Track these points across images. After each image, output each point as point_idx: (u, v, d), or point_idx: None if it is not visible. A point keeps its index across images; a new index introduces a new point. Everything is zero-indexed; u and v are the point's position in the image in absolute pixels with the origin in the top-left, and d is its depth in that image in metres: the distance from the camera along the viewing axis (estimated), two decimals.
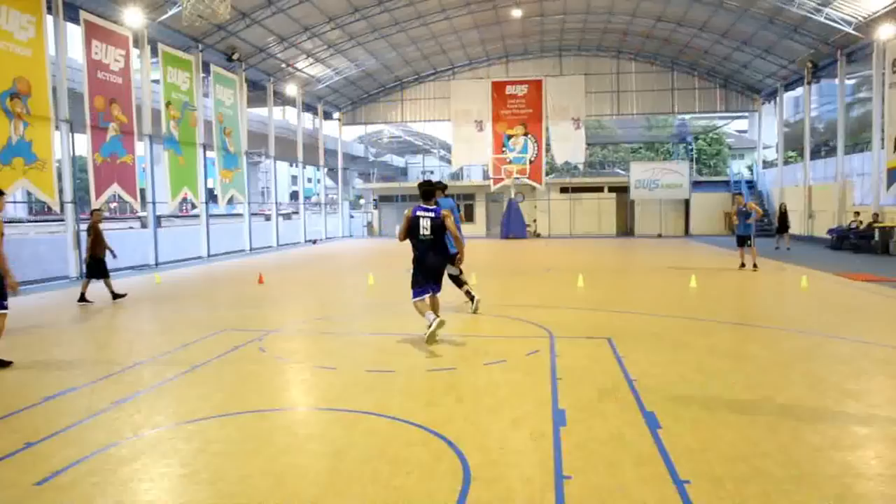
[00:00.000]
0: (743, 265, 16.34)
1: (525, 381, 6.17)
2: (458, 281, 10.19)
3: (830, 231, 24.01)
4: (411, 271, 7.96)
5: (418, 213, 7.83)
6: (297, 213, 39.63)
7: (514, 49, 35.24)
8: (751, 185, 35.69)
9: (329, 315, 10.42)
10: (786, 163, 33.51)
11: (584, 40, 34.23)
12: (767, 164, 36.35)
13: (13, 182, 14.54)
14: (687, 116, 40.24)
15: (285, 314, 10.63)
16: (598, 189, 36.39)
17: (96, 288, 12.41)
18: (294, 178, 69.86)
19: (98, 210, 13.31)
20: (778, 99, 32.39)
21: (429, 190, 7.95)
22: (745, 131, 47.61)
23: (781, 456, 4.22)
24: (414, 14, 27.56)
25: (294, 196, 61.51)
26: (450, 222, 7.84)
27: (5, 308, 7.01)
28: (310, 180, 68.64)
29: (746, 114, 40.01)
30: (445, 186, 9.67)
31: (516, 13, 28.18)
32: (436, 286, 8.03)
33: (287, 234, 31.40)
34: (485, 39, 33.15)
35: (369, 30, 28.00)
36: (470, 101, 35.44)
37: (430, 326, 7.56)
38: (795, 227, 26.85)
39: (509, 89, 35.19)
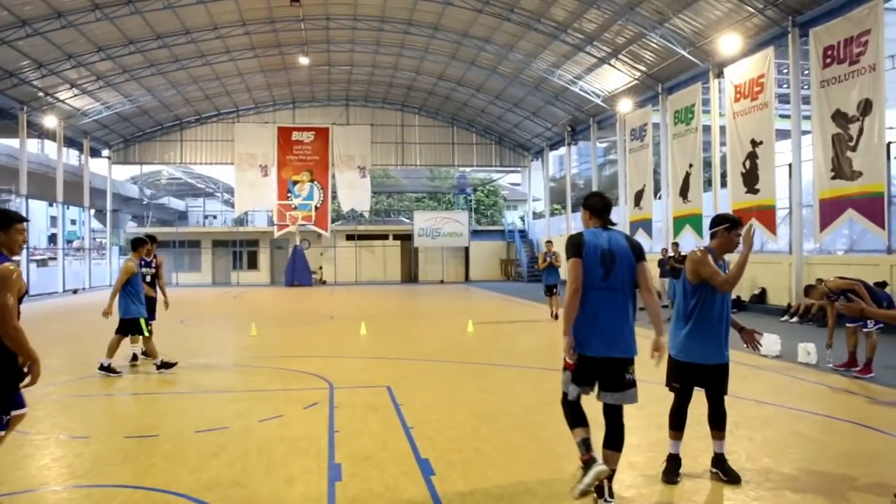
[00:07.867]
0: (556, 316, 14.86)
1: (302, 436, 5.98)
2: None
3: None
4: None
5: None
6: (54, 258, 35.32)
7: (301, 95, 35.20)
8: (523, 234, 38.77)
9: (88, 376, 9.28)
10: (552, 214, 37.06)
11: (371, 92, 35.25)
12: (537, 216, 39.95)
13: None
14: (466, 169, 42.81)
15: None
16: (384, 237, 37.21)
17: None
18: (53, 219, 62.42)
19: None
20: (544, 157, 35.92)
21: None
22: (518, 184, 51.70)
23: (543, 490, 4.53)
24: (196, 52, 26.38)
25: (52, 240, 54.86)
26: None
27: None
28: (73, 222, 61.77)
29: (519, 169, 43.55)
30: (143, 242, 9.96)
31: (303, 61, 28.21)
32: None
33: (42, 282, 27.84)
34: (271, 84, 32.75)
35: (146, 64, 26.27)
36: (255, 146, 34.61)
37: None
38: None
39: (296, 135, 34.97)
